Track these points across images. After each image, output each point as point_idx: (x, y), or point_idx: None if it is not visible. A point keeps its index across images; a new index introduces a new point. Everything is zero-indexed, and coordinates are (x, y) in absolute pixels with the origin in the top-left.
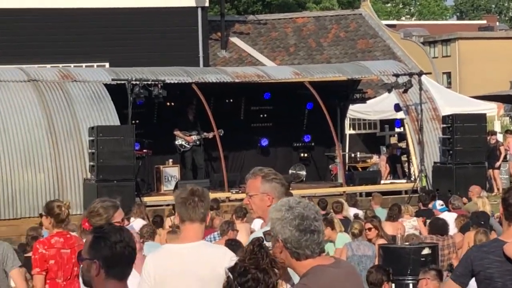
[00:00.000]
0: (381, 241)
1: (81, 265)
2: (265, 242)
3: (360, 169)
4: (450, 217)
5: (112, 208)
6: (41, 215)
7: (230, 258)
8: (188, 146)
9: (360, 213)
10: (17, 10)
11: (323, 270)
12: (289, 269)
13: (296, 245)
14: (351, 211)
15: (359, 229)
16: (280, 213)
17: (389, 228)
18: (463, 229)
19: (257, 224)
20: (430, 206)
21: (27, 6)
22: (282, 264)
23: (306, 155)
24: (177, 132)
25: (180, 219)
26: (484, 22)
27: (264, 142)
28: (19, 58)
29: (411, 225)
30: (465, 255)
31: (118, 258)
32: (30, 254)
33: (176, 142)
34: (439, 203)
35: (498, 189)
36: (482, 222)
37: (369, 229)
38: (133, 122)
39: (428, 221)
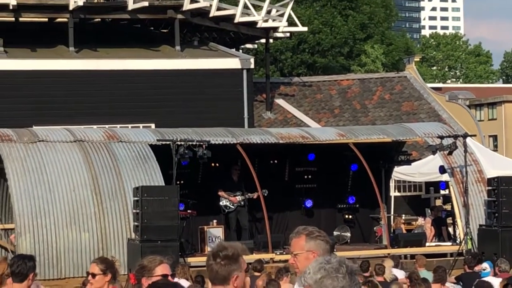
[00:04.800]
0: None
1: None
2: None
3: (404, 231)
4: (495, 281)
5: (158, 262)
6: (88, 274)
7: None
8: (233, 207)
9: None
10: (63, 71)
11: None
12: None
13: None
14: (396, 272)
15: None
16: (321, 271)
17: None
18: None
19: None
20: (476, 269)
21: (73, 68)
22: None
23: (350, 216)
24: (221, 193)
25: None
26: None
27: (309, 203)
28: (66, 119)
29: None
30: None
31: None
32: None
33: (221, 203)
34: (483, 267)
35: None
36: None
37: None
38: (178, 182)
39: None
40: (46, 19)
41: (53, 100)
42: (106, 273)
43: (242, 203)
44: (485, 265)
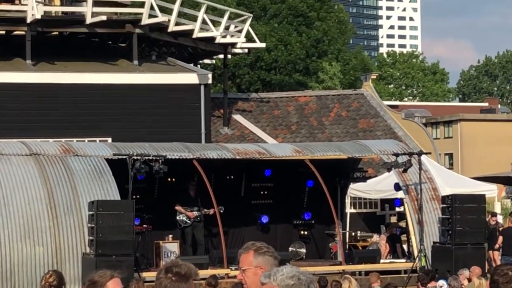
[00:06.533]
0: None
1: None
2: None
3: (360, 248)
4: None
5: (109, 276)
6: None
7: None
8: (189, 222)
9: None
10: (19, 84)
11: None
12: None
13: None
14: None
15: None
16: (295, 279)
17: None
18: None
19: None
20: (429, 286)
21: (30, 81)
22: None
23: (306, 232)
24: (178, 208)
25: None
26: (486, 104)
27: (264, 219)
28: (22, 132)
29: None
30: None
31: None
32: None
33: (177, 218)
34: (439, 284)
35: None
36: None
37: None
38: (134, 197)
39: None
40: (4, 32)
41: (9, 113)
42: None
43: (198, 218)
44: (442, 282)
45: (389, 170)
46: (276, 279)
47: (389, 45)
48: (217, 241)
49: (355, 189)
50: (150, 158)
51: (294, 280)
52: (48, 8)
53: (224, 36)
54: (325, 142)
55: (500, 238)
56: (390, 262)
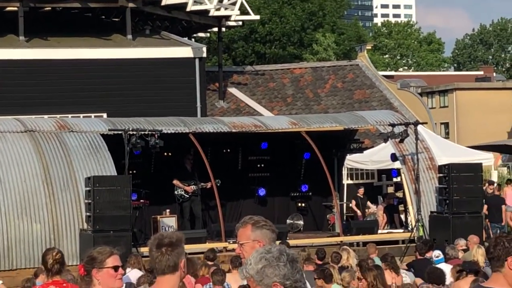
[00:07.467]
0: None
1: None
2: None
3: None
4: (447, 268)
5: (108, 253)
6: None
7: None
8: (187, 196)
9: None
10: (13, 61)
11: None
12: None
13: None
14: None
15: (347, 280)
16: (262, 261)
17: (387, 277)
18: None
19: None
20: (427, 255)
21: (24, 57)
22: None
23: (303, 204)
24: (176, 182)
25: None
26: (481, 73)
27: (262, 191)
28: (16, 108)
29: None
30: None
31: None
32: None
33: (175, 192)
34: (435, 254)
35: None
36: (469, 271)
37: (360, 279)
38: (130, 172)
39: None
40: None
41: (3, 90)
42: None
43: (196, 192)
44: (438, 252)
45: (385, 140)
46: (248, 272)
47: (383, 15)
48: (215, 214)
49: (352, 160)
50: (146, 133)
51: (262, 262)
52: None
53: (218, 9)
54: (321, 114)
55: (485, 207)
56: (388, 233)
